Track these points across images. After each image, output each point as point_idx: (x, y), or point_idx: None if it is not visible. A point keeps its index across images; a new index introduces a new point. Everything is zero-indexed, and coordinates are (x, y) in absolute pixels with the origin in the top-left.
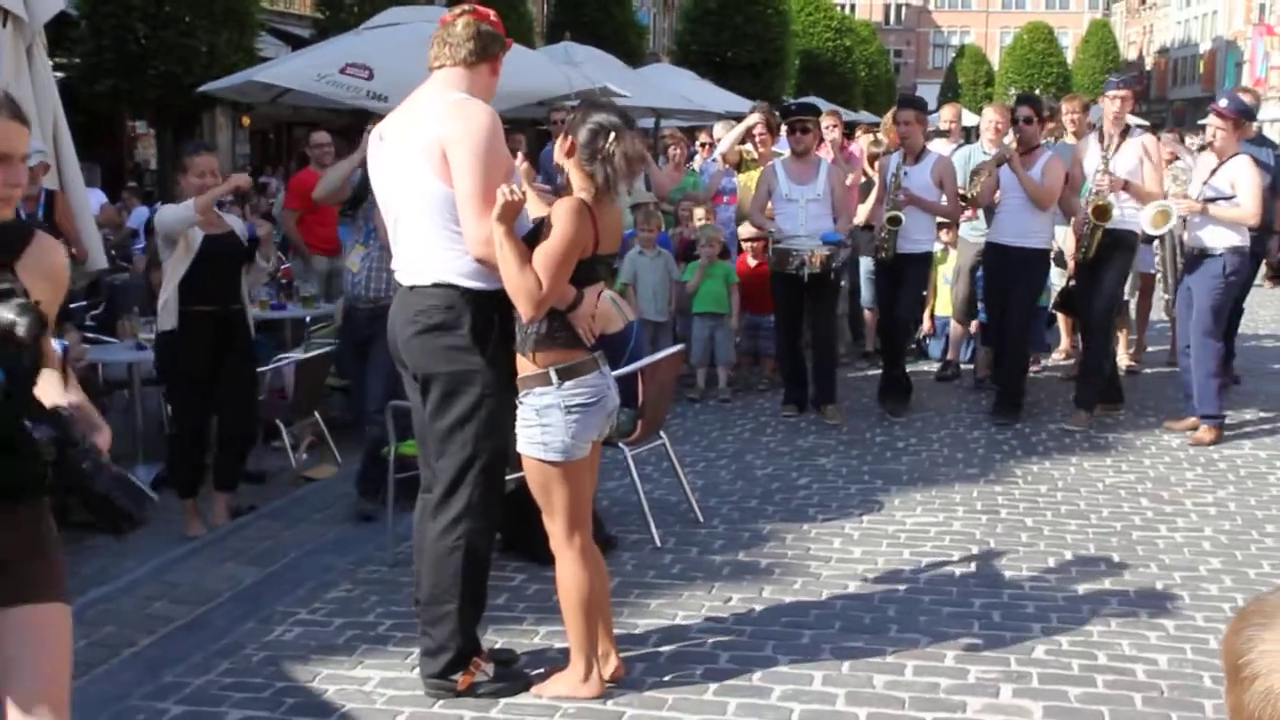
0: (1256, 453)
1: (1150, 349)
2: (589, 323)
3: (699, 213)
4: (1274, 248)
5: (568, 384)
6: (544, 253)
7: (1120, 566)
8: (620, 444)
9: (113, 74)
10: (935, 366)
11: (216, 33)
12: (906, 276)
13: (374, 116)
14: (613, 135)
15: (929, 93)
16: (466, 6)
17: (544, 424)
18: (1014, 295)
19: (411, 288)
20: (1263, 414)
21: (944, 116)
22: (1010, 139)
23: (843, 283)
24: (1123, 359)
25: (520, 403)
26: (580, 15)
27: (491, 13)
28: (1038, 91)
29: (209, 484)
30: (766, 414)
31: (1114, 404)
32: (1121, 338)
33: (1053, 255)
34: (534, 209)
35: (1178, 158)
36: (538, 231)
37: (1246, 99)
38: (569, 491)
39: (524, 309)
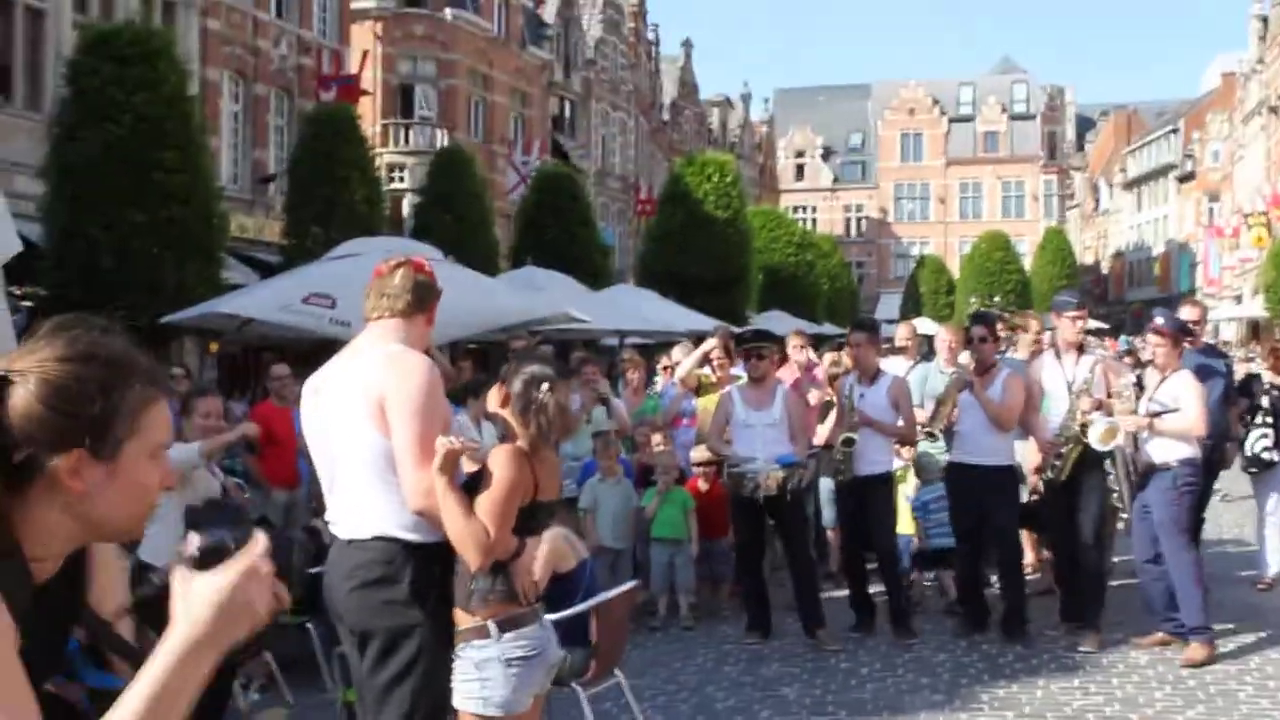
0: (1226, 667)
1: (1116, 559)
2: (529, 575)
3: (656, 438)
4: (1231, 454)
5: (507, 636)
6: (488, 500)
7: None
8: (573, 684)
9: (79, 306)
10: None
11: (183, 265)
12: (871, 501)
13: (338, 344)
14: (545, 386)
15: (891, 302)
16: (402, 257)
17: (483, 678)
18: (996, 516)
19: (349, 541)
20: (1231, 625)
21: (899, 335)
22: (966, 358)
23: (809, 508)
24: None
25: (458, 656)
26: (542, 238)
27: (427, 263)
28: (996, 299)
29: None
30: (730, 641)
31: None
32: None
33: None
34: (467, 464)
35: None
36: (475, 482)
37: (1191, 312)
38: None
39: (472, 558)
